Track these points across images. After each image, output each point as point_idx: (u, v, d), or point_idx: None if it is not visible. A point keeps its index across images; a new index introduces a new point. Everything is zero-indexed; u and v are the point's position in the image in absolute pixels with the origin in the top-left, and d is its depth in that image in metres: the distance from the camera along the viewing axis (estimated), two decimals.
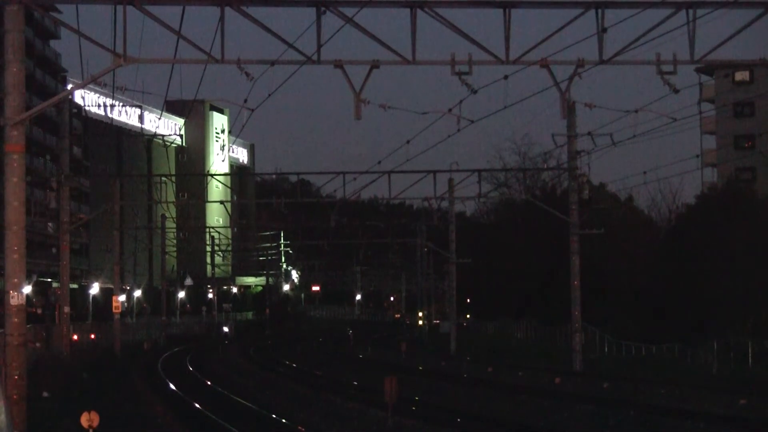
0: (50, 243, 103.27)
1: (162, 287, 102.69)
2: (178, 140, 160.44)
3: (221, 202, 79.66)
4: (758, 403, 36.21)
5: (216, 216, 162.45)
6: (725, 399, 37.92)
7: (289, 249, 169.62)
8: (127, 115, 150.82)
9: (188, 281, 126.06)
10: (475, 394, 42.64)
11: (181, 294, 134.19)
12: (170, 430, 31.37)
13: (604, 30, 30.16)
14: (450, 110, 35.11)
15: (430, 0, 29.32)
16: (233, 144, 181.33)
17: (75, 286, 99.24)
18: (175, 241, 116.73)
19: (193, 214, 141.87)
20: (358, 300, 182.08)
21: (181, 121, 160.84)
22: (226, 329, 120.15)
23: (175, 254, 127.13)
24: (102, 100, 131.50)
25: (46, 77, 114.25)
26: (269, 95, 32.20)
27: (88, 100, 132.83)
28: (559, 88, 31.11)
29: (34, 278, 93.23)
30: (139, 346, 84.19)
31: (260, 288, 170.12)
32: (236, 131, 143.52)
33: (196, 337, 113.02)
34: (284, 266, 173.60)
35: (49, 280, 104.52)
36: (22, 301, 27.93)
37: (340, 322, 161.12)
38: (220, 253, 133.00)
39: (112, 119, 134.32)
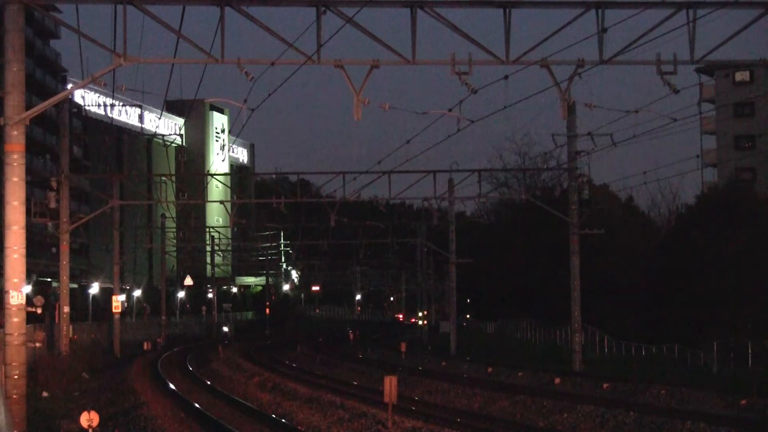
0: (50, 243, 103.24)
1: (162, 287, 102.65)
2: (178, 140, 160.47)
3: (221, 202, 79.43)
4: (758, 403, 36.20)
5: (216, 216, 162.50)
6: (725, 399, 37.90)
7: (289, 249, 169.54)
8: (127, 115, 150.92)
9: (188, 281, 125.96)
10: (475, 394, 42.62)
11: (181, 294, 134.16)
12: (170, 429, 31.35)
13: (604, 30, 30.19)
14: (450, 110, 35.13)
15: (430, 0, 29.33)
16: (233, 144, 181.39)
17: (75, 286, 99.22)
18: (175, 241, 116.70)
19: (193, 214, 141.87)
20: (358, 300, 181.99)
21: (181, 121, 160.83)
22: (225, 329, 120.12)
23: (175, 254, 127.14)
24: (102, 99, 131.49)
25: (46, 77, 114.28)
26: (269, 95, 32.30)
27: (88, 99, 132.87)
28: (559, 88, 31.13)
29: (34, 278, 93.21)
30: (138, 346, 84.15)
31: (260, 288, 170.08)
32: (236, 131, 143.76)
33: (196, 337, 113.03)
34: (284, 266, 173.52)
35: (49, 280, 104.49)
36: (22, 301, 27.94)
37: (340, 322, 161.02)
38: (220, 253, 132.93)
39: (112, 119, 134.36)
